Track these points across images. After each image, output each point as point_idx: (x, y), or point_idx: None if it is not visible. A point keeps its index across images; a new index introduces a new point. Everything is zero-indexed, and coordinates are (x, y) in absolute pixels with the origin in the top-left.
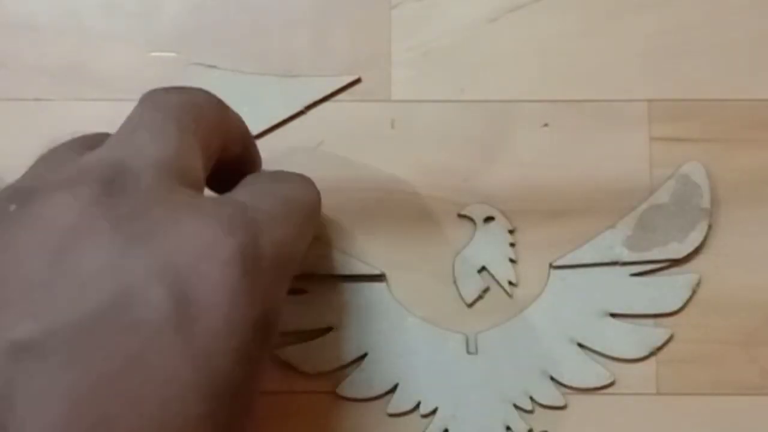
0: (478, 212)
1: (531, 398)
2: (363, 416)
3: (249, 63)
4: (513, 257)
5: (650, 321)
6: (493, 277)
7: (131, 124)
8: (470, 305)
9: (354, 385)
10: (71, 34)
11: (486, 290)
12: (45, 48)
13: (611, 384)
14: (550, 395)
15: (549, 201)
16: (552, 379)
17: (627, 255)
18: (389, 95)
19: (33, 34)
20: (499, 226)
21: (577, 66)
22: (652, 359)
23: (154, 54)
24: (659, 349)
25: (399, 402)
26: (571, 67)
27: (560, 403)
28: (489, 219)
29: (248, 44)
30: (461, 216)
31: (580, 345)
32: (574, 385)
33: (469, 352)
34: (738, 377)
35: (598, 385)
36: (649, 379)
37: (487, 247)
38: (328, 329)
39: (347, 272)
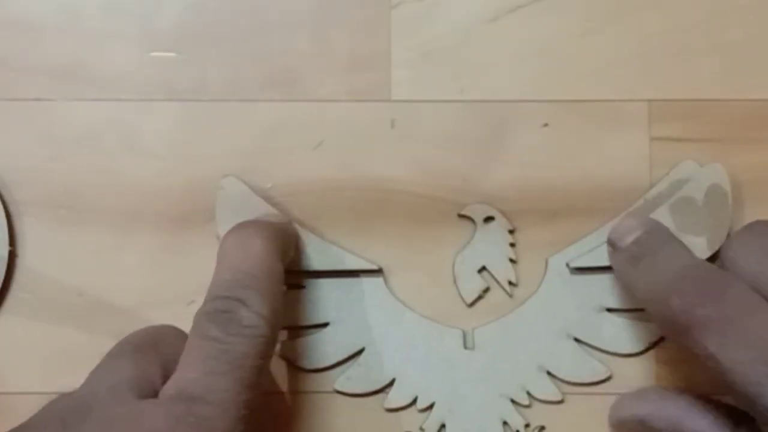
0: (478, 212)
1: (528, 393)
2: (360, 411)
3: (249, 63)
4: (513, 257)
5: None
6: (493, 277)
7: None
8: (470, 305)
9: (351, 380)
10: (71, 34)
11: (486, 290)
12: (45, 48)
13: (608, 379)
14: (547, 390)
15: (549, 201)
16: (549, 373)
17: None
18: (389, 95)
19: (33, 34)
20: (499, 226)
21: (577, 66)
22: (651, 359)
23: (154, 54)
24: (656, 344)
25: (396, 397)
26: (571, 67)
27: (557, 398)
28: (489, 219)
29: (248, 44)
30: (461, 216)
31: (577, 340)
32: (571, 380)
33: (466, 348)
34: None
35: (594, 380)
36: (648, 378)
37: (488, 247)
38: (326, 324)
39: (345, 267)
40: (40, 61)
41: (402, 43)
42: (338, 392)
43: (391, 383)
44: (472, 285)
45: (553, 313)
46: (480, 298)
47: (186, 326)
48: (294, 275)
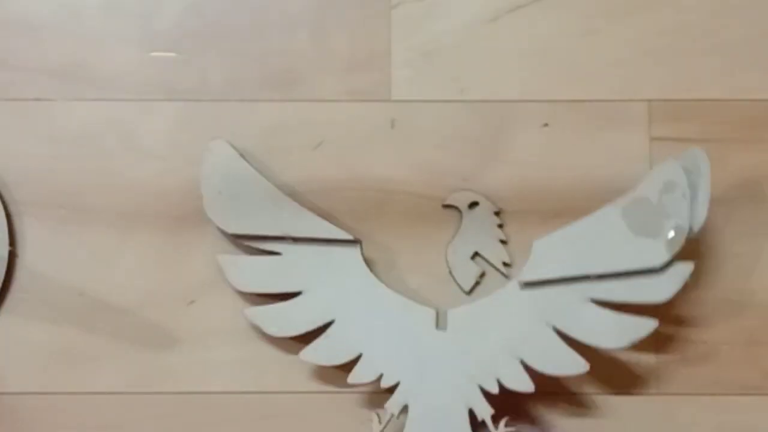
0: (462, 199)
1: (498, 381)
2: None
3: (249, 63)
4: (503, 238)
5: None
6: (486, 260)
7: None
8: (469, 292)
9: (318, 350)
10: (71, 34)
11: (482, 275)
12: (45, 48)
13: (587, 372)
14: (519, 379)
15: (549, 201)
16: (522, 363)
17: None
18: (389, 95)
19: (33, 34)
20: (484, 210)
21: (577, 66)
22: (652, 359)
23: (154, 54)
24: (642, 340)
25: (361, 372)
26: (571, 67)
27: (529, 389)
28: (474, 204)
29: (248, 44)
30: (446, 206)
31: (557, 330)
32: (548, 371)
33: (438, 328)
34: (738, 377)
35: (574, 373)
36: (649, 379)
37: (476, 232)
38: (298, 293)
39: (321, 235)
40: (40, 61)
41: (402, 43)
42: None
43: (358, 358)
44: (468, 272)
45: (533, 298)
46: (477, 283)
47: (186, 325)
48: (271, 241)
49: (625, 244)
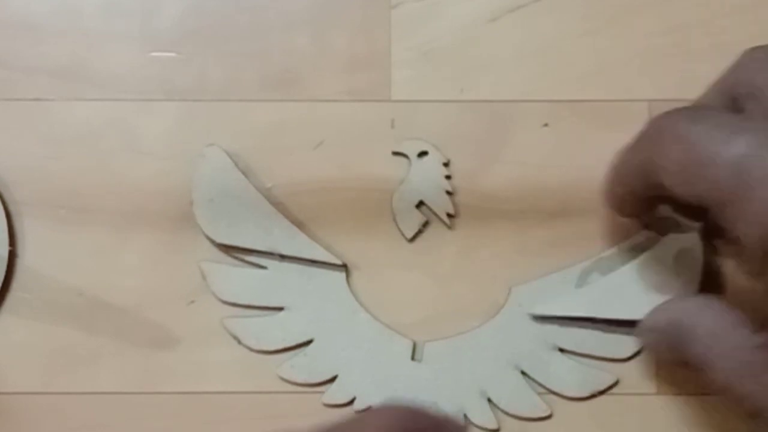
0: (412, 148)
1: (465, 416)
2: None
3: (249, 63)
4: (449, 189)
5: (599, 362)
6: (431, 210)
7: None
8: (411, 240)
9: (295, 369)
10: (71, 34)
11: (426, 224)
12: (45, 48)
13: (547, 417)
14: (484, 416)
15: (549, 201)
16: (489, 401)
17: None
18: (389, 95)
19: (33, 34)
20: (433, 160)
21: (577, 66)
22: (652, 360)
23: (154, 54)
24: (601, 392)
25: (335, 393)
26: (571, 67)
27: (492, 426)
28: (423, 154)
29: (248, 44)
30: (395, 153)
31: (524, 373)
32: (510, 411)
33: (414, 359)
34: None
35: (533, 415)
36: (649, 379)
37: (423, 181)
38: (280, 309)
39: (310, 257)
40: (40, 61)
41: (402, 43)
42: (281, 379)
43: (333, 379)
44: (411, 220)
45: (505, 342)
46: (420, 232)
47: (186, 325)
48: (259, 256)
49: (634, 296)
